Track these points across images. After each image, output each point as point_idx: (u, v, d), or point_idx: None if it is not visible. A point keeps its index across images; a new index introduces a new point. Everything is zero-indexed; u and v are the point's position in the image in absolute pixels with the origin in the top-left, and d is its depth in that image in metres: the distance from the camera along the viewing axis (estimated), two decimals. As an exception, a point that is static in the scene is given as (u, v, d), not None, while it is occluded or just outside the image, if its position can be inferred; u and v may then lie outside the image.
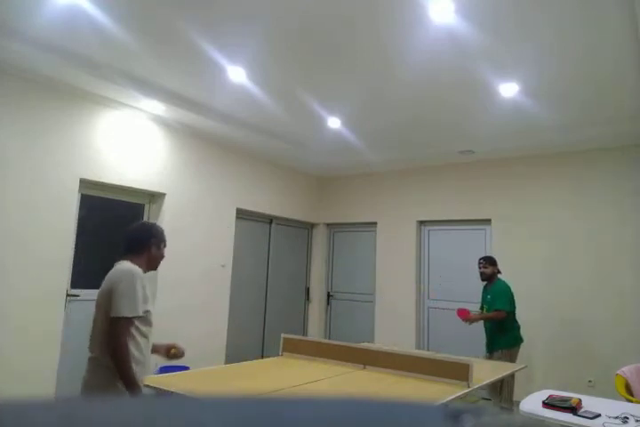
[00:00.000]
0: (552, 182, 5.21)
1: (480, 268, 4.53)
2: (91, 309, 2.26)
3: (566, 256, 5.01)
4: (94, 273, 4.40)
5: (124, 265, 2.19)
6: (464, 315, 4.41)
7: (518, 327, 4.37)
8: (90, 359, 2.12)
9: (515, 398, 3.95)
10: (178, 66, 3.49)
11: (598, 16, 2.63)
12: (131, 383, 2.01)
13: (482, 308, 4.57)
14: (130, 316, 2.06)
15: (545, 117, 4.20)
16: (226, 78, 3.65)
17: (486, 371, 3.31)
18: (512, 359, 4.17)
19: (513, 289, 4.45)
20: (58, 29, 3.00)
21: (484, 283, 4.59)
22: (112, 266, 2.24)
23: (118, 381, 2.02)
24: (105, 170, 4.27)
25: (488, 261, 4.52)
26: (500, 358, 4.16)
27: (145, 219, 4.82)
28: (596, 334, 4.72)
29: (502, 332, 4.29)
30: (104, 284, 2.17)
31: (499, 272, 4.52)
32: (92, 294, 4.20)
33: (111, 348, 2.02)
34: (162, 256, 2.39)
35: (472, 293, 5.18)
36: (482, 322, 4.50)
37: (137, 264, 2.22)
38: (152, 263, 2.34)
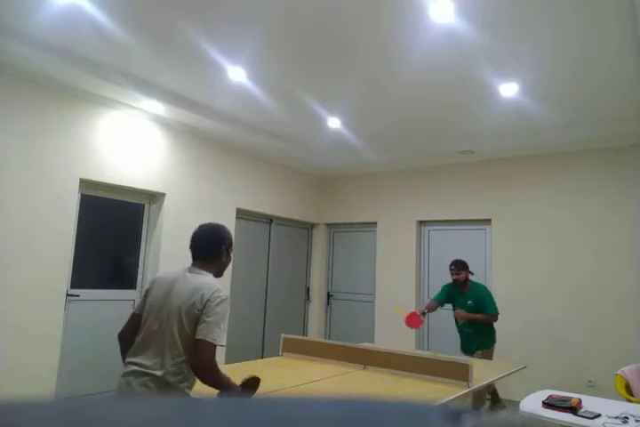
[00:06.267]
0: (552, 182, 5.21)
1: (453, 274, 4.33)
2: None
3: (566, 256, 5.01)
4: (94, 273, 4.41)
5: (210, 279, 2.04)
6: (415, 322, 4.20)
7: (495, 329, 4.38)
8: (148, 376, 1.92)
9: (514, 398, 3.95)
10: (178, 66, 3.49)
11: (598, 16, 2.63)
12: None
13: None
14: (220, 345, 1.93)
15: (545, 117, 4.20)
16: (226, 78, 3.64)
17: (486, 371, 3.31)
18: (490, 359, 4.20)
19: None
20: (58, 29, 3.00)
21: (453, 284, 4.43)
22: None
23: None
24: (105, 170, 4.27)
25: (460, 267, 4.32)
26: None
27: (145, 219, 4.83)
28: (596, 334, 4.72)
29: (486, 333, 4.29)
30: (186, 291, 1.98)
31: (471, 273, 4.40)
32: (92, 293, 4.24)
33: (205, 371, 1.90)
34: (229, 262, 2.20)
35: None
36: (454, 324, 4.45)
37: (209, 273, 2.10)
38: (220, 272, 2.16)
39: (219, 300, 1.95)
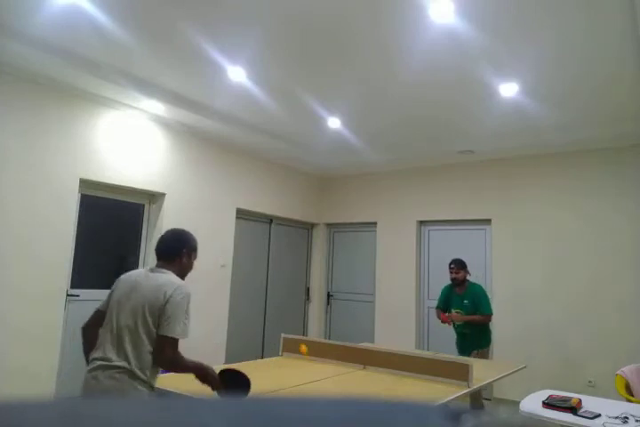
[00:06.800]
0: (552, 182, 5.21)
1: (452, 273, 4.37)
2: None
3: (566, 256, 5.01)
4: (94, 273, 4.40)
5: (172, 277, 2.14)
6: (445, 319, 4.38)
7: (490, 330, 4.41)
8: (114, 369, 2.00)
9: (514, 398, 3.95)
10: (178, 66, 3.49)
11: (598, 16, 2.63)
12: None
13: (450, 312, 4.48)
14: (183, 337, 2.06)
15: (545, 117, 4.20)
16: (226, 78, 3.64)
17: (486, 371, 3.31)
18: (486, 358, 4.22)
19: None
20: (58, 29, 3.00)
21: (450, 285, 4.49)
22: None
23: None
24: (105, 170, 4.27)
25: (459, 266, 4.35)
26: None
27: (145, 219, 4.83)
28: (596, 334, 4.72)
29: (482, 334, 4.30)
30: (149, 289, 2.07)
31: (469, 274, 4.43)
32: (92, 293, 4.24)
33: (167, 364, 2.06)
34: (191, 267, 2.32)
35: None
36: (451, 324, 4.46)
37: (171, 272, 2.20)
38: (182, 274, 2.26)
39: (180, 296, 2.06)
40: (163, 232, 2.33)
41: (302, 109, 4.27)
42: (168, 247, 2.24)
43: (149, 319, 2.03)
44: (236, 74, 3.56)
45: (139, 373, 2.00)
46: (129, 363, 2.00)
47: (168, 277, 2.13)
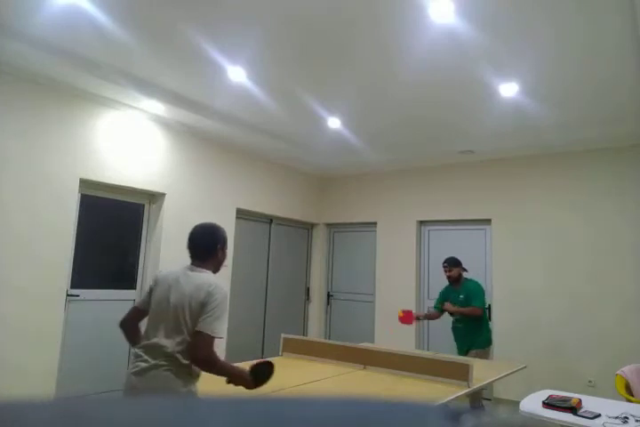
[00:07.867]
0: (552, 182, 5.21)
1: (446, 272, 4.45)
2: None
3: (566, 256, 5.01)
4: (94, 273, 4.40)
5: (211, 277, 2.16)
6: (406, 319, 4.38)
7: (490, 329, 4.42)
8: (156, 366, 2.02)
9: (514, 398, 3.95)
10: (178, 66, 3.49)
11: (598, 16, 2.63)
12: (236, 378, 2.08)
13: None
14: (219, 337, 2.06)
15: (545, 117, 4.20)
16: (226, 78, 3.64)
17: (486, 371, 3.31)
18: (486, 359, 4.21)
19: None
20: (58, 29, 3.00)
21: (449, 285, 4.56)
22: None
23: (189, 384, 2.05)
24: (105, 170, 4.27)
25: (451, 264, 4.43)
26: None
27: (145, 219, 4.83)
28: (596, 334, 4.72)
29: (478, 332, 4.29)
30: (189, 288, 2.08)
31: (465, 270, 4.47)
32: (92, 293, 4.24)
33: (201, 360, 2.02)
34: (225, 258, 2.33)
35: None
36: (450, 324, 4.46)
37: (208, 271, 2.22)
38: (217, 268, 2.28)
39: (219, 295, 2.07)
40: (191, 229, 2.27)
41: (302, 109, 4.27)
42: (203, 246, 2.22)
43: (189, 318, 2.05)
44: (236, 74, 3.56)
45: (181, 369, 2.02)
46: (172, 360, 2.02)
47: (206, 276, 2.16)
